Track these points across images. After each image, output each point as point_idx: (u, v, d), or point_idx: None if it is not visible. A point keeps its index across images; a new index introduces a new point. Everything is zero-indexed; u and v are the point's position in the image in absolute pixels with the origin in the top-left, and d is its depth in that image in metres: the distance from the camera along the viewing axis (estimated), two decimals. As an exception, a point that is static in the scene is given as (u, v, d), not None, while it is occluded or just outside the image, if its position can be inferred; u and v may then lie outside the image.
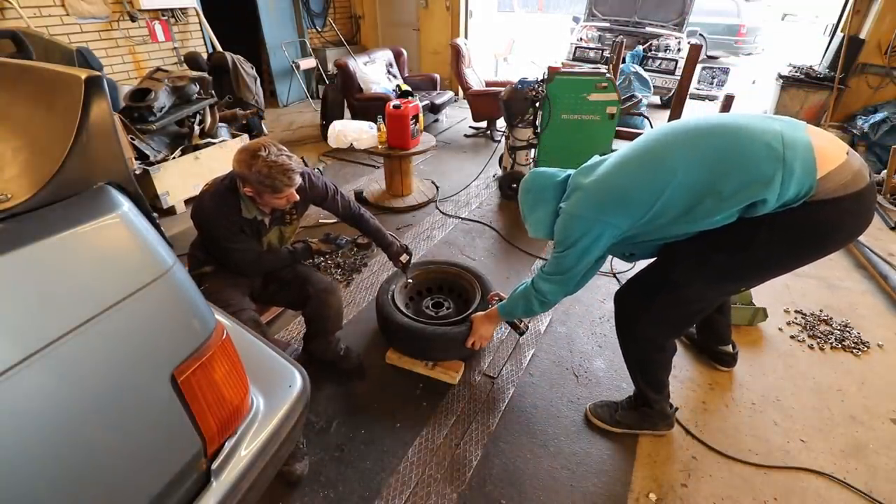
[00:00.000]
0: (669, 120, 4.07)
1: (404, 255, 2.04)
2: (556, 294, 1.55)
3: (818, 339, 2.26)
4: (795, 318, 2.41)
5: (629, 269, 2.77)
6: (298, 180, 1.57)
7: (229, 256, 1.67)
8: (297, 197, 1.63)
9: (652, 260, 1.58)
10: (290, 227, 1.86)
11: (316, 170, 4.00)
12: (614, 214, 1.32)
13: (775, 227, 1.22)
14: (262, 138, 1.57)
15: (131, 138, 3.06)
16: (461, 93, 6.07)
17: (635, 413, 1.75)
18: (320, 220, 3.22)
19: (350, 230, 2.00)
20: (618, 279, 2.70)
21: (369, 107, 4.42)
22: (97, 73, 0.74)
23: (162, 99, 3.19)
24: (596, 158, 1.47)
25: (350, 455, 1.69)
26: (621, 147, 1.44)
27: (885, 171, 3.62)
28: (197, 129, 3.46)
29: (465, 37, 6.20)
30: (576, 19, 7.62)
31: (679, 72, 5.24)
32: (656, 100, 6.26)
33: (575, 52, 6.25)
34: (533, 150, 3.58)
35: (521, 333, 1.99)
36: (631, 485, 1.61)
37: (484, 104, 4.84)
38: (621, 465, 1.67)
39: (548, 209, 1.51)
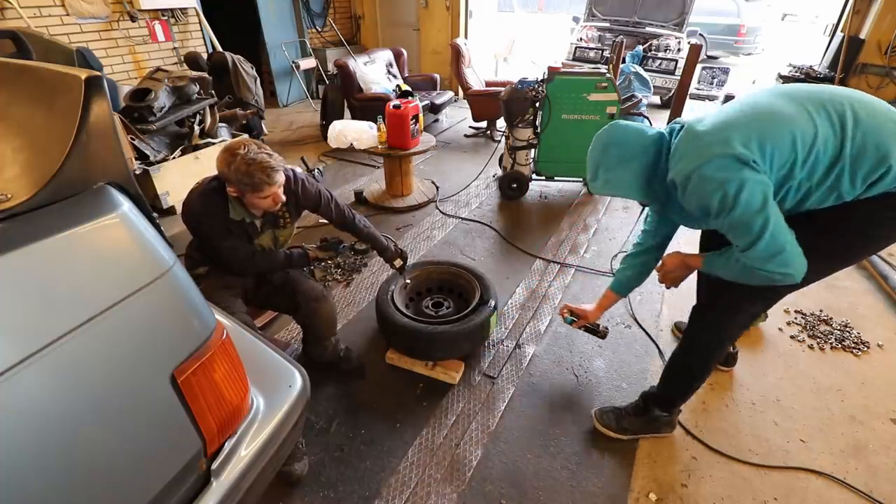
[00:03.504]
0: (670, 119, 4.07)
1: (398, 259, 2.03)
2: (781, 265, 1.16)
3: (818, 339, 2.25)
4: (795, 318, 2.40)
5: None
6: (279, 178, 1.53)
7: (220, 254, 1.66)
8: (283, 198, 1.61)
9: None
10: (284, 230, 1.82)
11: (316, 170, 3.96)
12: (742, 144, 1.11)
13: (882, 209, 1.16)
14: (244, 137, 1.54)
15: (131, 138, 3.06)
16: (461, 93, 6.07)
17: (642, 419, 1.74)
18: (319, 220, 3.22)
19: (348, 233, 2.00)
20: (618, 279, 2.70)
21: (369, 107, 4.42)
22: (97, 73, 0.74)
23: (162, 99, 3.19)
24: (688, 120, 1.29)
25: (350, 455, 1.69)
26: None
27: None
28: (197, 129, 3.46)
29: (465, 37, 6.20)
30: (576, 19, 7.61)
31: (679, 72, 5.24)
32: (656, 100, 6.26)
33: (575, 52, 6.25)
34: (533, 150, 3.58)
35: (603, 336, 1.92)
36: (631, 485, 1.61)
37: (484, 104, 4.84)
38: (621, 465, 1.67)
39: (631, 165, 1.35)
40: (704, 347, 1.54)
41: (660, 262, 1.63)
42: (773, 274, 1.18)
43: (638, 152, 1.35)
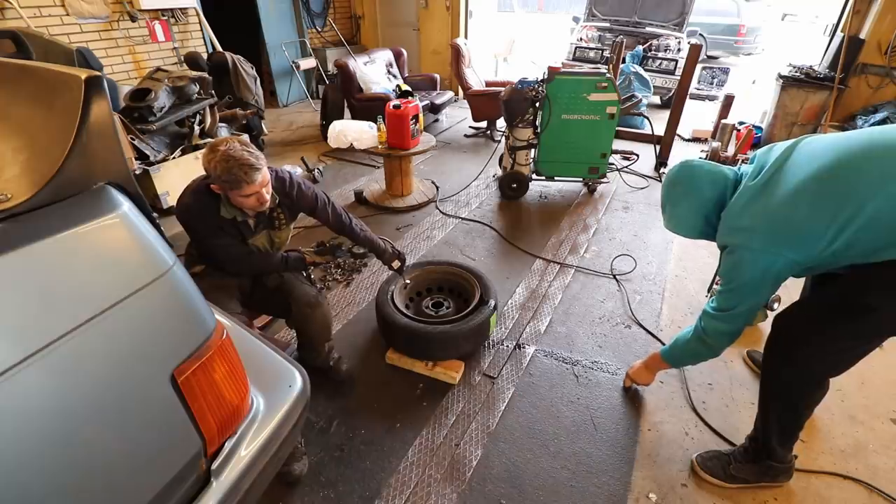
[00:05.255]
0: (670, 119, 4.07)
1: (396, 261, 2.02)
2: (720, 336, 1.42)
3: (818, 339, 2.25)
4: (795, 318, 2.40)
5: (631, 271, 2.77)
6: (258, 177, 1.51)
7: (214, 252, 1.65)
8: (268, 198, 1.59)
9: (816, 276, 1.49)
10: (280, 232, 1.81)
11: (316, 170, 3.96)
12: (787, 248, 1.20)
13: None
14: (231, 136, 1.55)
15: (131, 138, 3.06)
16: (461, 93, 6.06)
17: (754, 466, 1.56)
18: (320, 220, 3.22)
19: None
20: (617, 279, 2.70)
21: (369, 107, 4.42)
22: (97, 73, 0.74)
23: (162, 99, 3.19)
24: (769, 162, 1.29)
25: (350, 455, 1.69)
26: (795, 153, 1.24)
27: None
28: (197, 129, 3.47)
29: (465, 37, 6.20)
30: (576, 19, 7.62)
31: (679, 72, 5.24)
32: (656, 100, 6.26)
33: (575, 52, 6.25)
34: (533, 150, 3.58)
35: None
36: (631, 485, 1.61)
37: (484, 104, 4.84)
38: (621, 465, 1.67)
39: (692, 204, 1.43)
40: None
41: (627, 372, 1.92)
42: (712, 344, 1.46)
43: (699, 189, 1.41)
